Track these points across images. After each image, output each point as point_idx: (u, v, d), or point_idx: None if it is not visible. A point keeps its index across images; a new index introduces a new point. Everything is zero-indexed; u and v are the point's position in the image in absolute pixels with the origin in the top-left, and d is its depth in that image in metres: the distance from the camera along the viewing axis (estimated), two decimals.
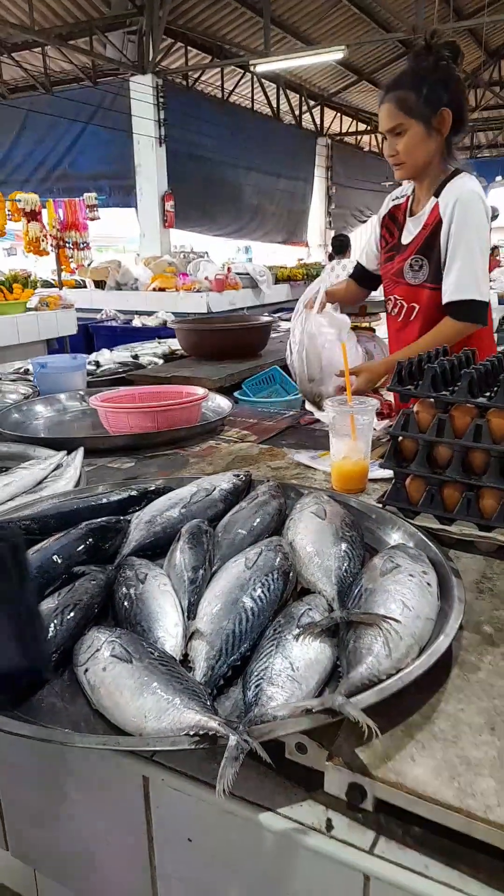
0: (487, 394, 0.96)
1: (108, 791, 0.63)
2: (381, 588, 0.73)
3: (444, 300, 1.57)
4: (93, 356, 2.24)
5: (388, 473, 1.05)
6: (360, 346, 1.77)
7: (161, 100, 8.60)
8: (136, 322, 4.43)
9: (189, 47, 9.46)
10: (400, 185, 1.79)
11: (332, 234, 14.10)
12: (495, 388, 0.94)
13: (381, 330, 2.89)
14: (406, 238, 1.67)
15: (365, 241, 1.88)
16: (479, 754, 0.57)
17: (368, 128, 14.58)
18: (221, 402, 1.64)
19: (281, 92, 11.68)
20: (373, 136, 14.91)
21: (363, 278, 1.87)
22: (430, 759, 0.56)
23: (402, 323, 1.69)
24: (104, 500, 0.95)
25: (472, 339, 1.61)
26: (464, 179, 1.59)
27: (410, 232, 1.67)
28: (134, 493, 0.98)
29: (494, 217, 14.34)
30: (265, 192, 11.39)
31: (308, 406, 2.00)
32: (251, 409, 1.87)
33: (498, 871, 0.51)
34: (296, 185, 12.51)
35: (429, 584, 0.76)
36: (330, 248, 8.65)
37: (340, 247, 6.74)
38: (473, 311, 1.55)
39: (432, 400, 0.97)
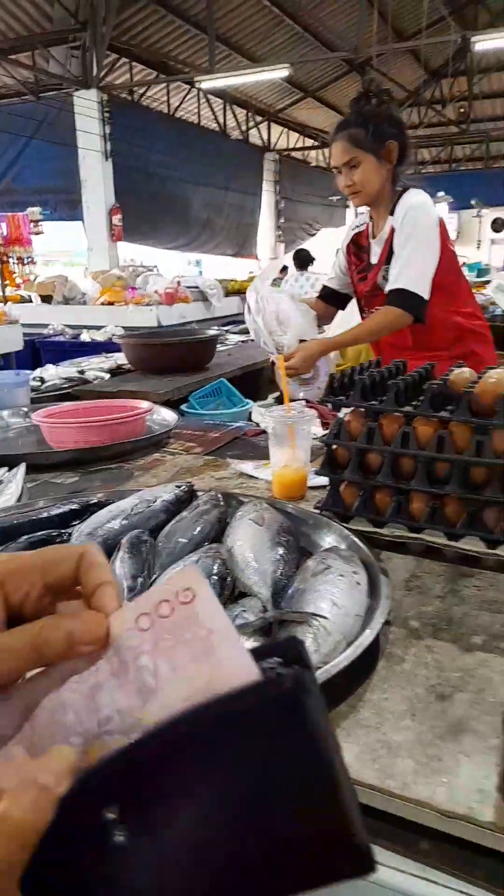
0: (414, 403, 1.02)
1: None
2: (312, 588, 0.77)
3: (386, 290, 1.72)
4: (37, 372, 2.24)
5: (326, 481, 1.09)
6: (310, 312, 1.85)
7: (106, 115, 8.61)
8: (85, 336, 4.40)
9: (134, 63, 9.51)
10: (346, 199, 1.96)
11: (282, 247, 14.36)
12: (421, 398, 1.00)
13: None
14: (374, 258, 1.87)
15: (331, 269, 2.09)
16: (399, 738, 0.61)
17: (315, 143, 14.90)
18: (167, 415, 1.67)
19: (228, 108, 11.83)
20: (320, 151, 15.23)
21: (330, 297, 2.05)
22: (355, 745, 0.60)
23: None
24: (45, 515, 0.97)
25: (470, 354, 1.79)
26: (412, 193, 1.78)
27: (376, 252, 1.87)
28: (75, 506, 1.00)
29: None
30: (214, 206, 11.50)
31: (255, 417, 2.05)
32: (198, 421, 1.90)
33: (415, 843, 0.55)
34: (244, 199, 12.67)
35: (358, 583, 0.80)
36: (282, 262, 8.84)
37: (303, 261, 6.94)
38: (407, 301, 1.68)
39: (363, 409, 1.02)
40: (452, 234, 15.63)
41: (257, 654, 0.29)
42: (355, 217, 2.06)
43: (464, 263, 10.47)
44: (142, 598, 0.31)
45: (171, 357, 2.28)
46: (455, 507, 0.96)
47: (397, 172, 1.82)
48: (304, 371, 1.74)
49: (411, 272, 1.69)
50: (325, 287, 2.09)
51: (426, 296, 1.70)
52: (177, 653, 0.29)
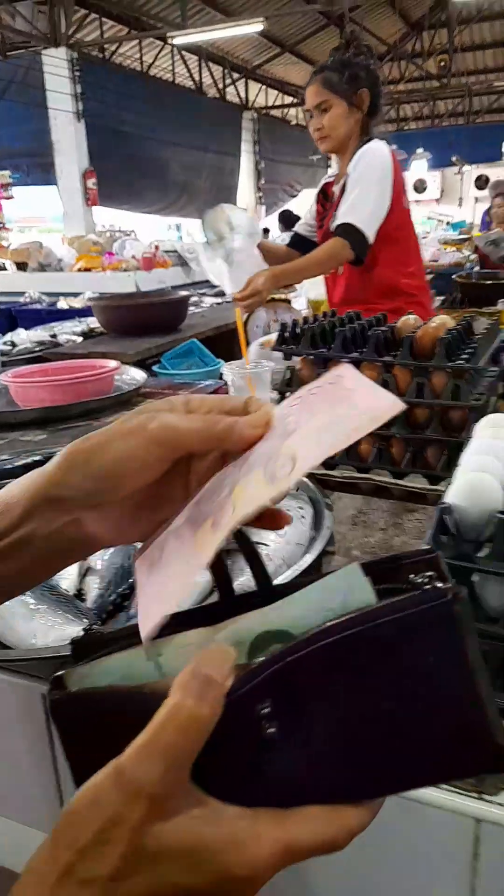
0: (361, 350, 1.06)
1: (10, 713, 0.70)
2: None
3: (333, 226, 1.78)
4: (7, 336, 2.25)
5: None
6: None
7: (77, 73, 8.36)
8: (62, 304, 4.37)
9: (104, 19, 9.20)
10: (327, 158, 2.00)
11: (263, 209, 14.14)
12: (366, 345, 1.04)
13: (299, 302, 2.99)
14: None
15: (303, 216, 2.14)
16: None
17: (295, 101, 14.56)
18: (136, 375, 1.70)
19: (203, 64, 11.52)
20: (299, 109, 14.90)
21: (298, 244, 2.07)
22: None
23: (337, 272, 1.92)
24: (8, 466, 1.01)
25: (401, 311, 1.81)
26: (372, 142, 1.81)
27: (336, 197, 1.90)
28: (38, 457, 1.04)
29: (422, 190, 14.38)
30: (192, 167, 11.27)
31: (225, 375, 2.09)
32: (168, 381, 1.93)
33: None
34: (223, 160, 12.42)
35: (303, 516, 0.86)
36: (263, 225, 8.77)
37: (288, 222, 6.96)
38: (352, 235, 1.72)
39: (312, 357, 1.06)
40: (436, 193, 15.49)
41: (395, 561, 0.32)
42: None
43: (448, 223, 10.25)
44: (297, 391, 0.36)
45: (142, 319, 2.29)
46: (400, 448, 1.01)
47: (369, 124, 1.85)
48: (266, 296, 1.71)
49: (359, 210, 1.73)
50: (294, 233, 2.12)
51: (370, 237, 1.73)
52: (317, 405, 0.32)
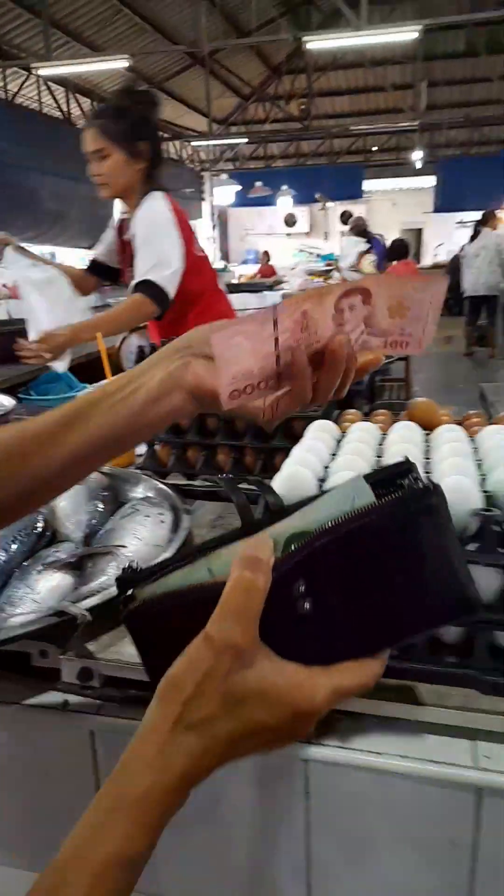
0: None
1: None
2: (120, 527, 0.89)
3: (133, 282, 1.79)
4: None
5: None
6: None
7: None
8: None
9: None
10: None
11: None
12: None
13: None
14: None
15: (100, 244, 2.09)
16: None
17: (165, 135, 14.86)
18: (3, 401, 1.70)
19: (71, 96, 11.51)
20: (171, 143, 15.24)
21: (94, 269, 2.07)
22: None
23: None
24: None
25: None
26: (150, 196, 1.82)
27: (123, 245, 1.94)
28: None
29: (292, 224, 14.97)
30: (64, 197, 11.11)
31: None
32: (38, 406, 1.95)
33: None
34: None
35: (162, 521, 0.93)
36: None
37: None
38: (149, 289, 1.74)
39: None
40: (306, 227, 16.36)
41: (384, 471, 0.42)
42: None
43: (318, 255, 10.77)
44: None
45: (9, 345, 2.28)
46: (252, 456, 1.12)
47: (153, 174, 1.85)
48: (63, 349, 1.77)
49: (153, 266, 1.73)
50: (93, 260, 2.07)
51: (170, 291, 1.75)
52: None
